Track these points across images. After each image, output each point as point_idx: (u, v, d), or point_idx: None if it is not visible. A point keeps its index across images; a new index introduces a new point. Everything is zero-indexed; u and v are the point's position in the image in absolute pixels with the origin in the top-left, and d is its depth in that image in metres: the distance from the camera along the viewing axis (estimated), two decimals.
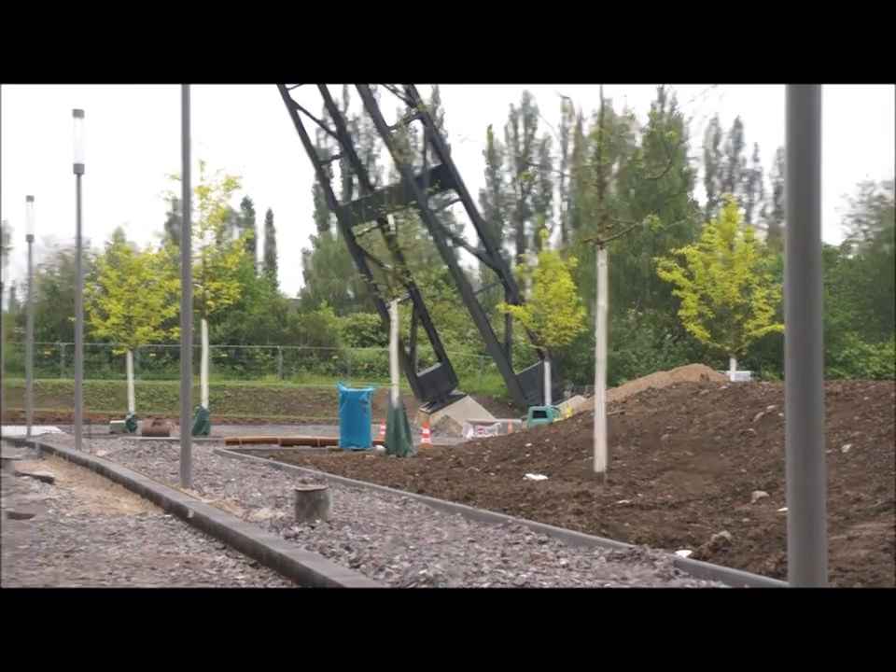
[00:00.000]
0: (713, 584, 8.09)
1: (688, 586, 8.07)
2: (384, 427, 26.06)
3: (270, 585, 8.58)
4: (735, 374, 34.30)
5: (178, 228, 63.27)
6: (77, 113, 24.69)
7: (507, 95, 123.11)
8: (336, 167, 73.21)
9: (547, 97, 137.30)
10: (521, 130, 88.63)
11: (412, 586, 7.77)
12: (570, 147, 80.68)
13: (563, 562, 9.16)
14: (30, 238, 36.17)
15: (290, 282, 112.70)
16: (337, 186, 62.22)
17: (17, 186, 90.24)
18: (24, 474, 18.00)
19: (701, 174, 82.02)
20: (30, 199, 35.28)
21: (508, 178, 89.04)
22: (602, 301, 15.90)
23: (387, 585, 7.89)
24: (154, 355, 57.77)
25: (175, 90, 16.81)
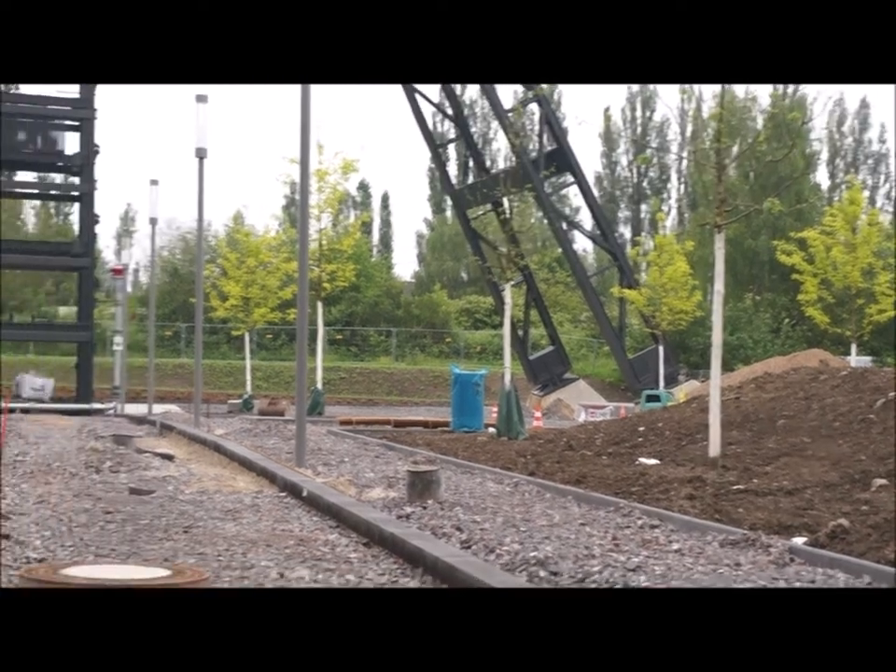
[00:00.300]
0: (829, 572, 7.93)
1: (802, 574, 7.92)
2: (496, 409, 26.07)
3: (381, 564, 8.67)
4: (856, 360, 33.57)
5: (296, 210, 64.11)
6: (201, 98, 25.14)
7: None
8: (452, 150, 73.40)
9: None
10: (638, 112, 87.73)
11: (521, 568, 7.78)
12: (689, 129, 79.70)
13: (675, 546, 9.07)
14: (153, 221, 37.02)
15: (405, 264, 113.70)
16: (453, 169, 62.41)
17: (142, 170, 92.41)
18: (146, 451, 18.45)
19: (824, 155, 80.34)
20: (154, 183, 36.10)
21: (624, 161, 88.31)
22: (719, 285, 15.67)
23: (497, 566, 7.91)
24: (271, 336, 58.68)
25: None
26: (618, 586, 7.18)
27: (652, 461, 15.91)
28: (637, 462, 16.01)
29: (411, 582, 7.94)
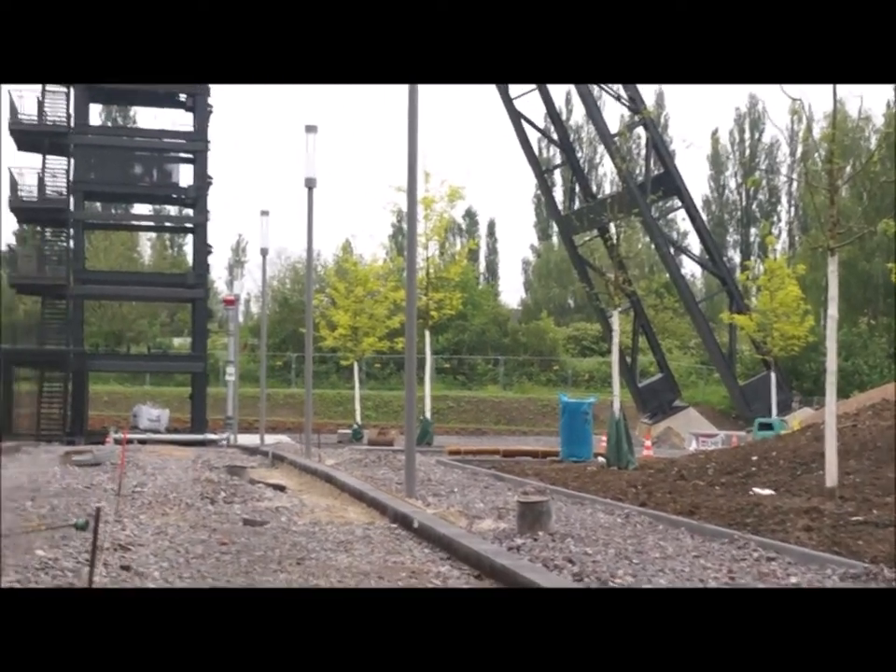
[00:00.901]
0: None
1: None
2: (605, 438, 25.88)
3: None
4: None
5: (403, 239, 64.58)
6: (310, 129, 25.52)
7: (732, 99, 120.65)
8: (558, 176, 73.25)
9: (775, 99, 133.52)
10: (747, 134, 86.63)
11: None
12: (799, 150, 78.39)
13: (793, 580, 8.88)
14: (264, 251, 37.61)
15: (511, 292, 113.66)
16: (559, 195, 62.20)
17: (253, 201, 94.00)
18: (258, 482, 18.68)
19: None
20: (264, 213, 36.70)
21: (732, 184, 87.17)
22: (832, 310, 15.35)
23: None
24: (379, 365, 59.09)
25: (402, 105, 17.13)
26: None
27: (767, 491, 15.62)
28: (750, 492, 15.73)
29: None
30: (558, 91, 76.43)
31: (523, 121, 47.49)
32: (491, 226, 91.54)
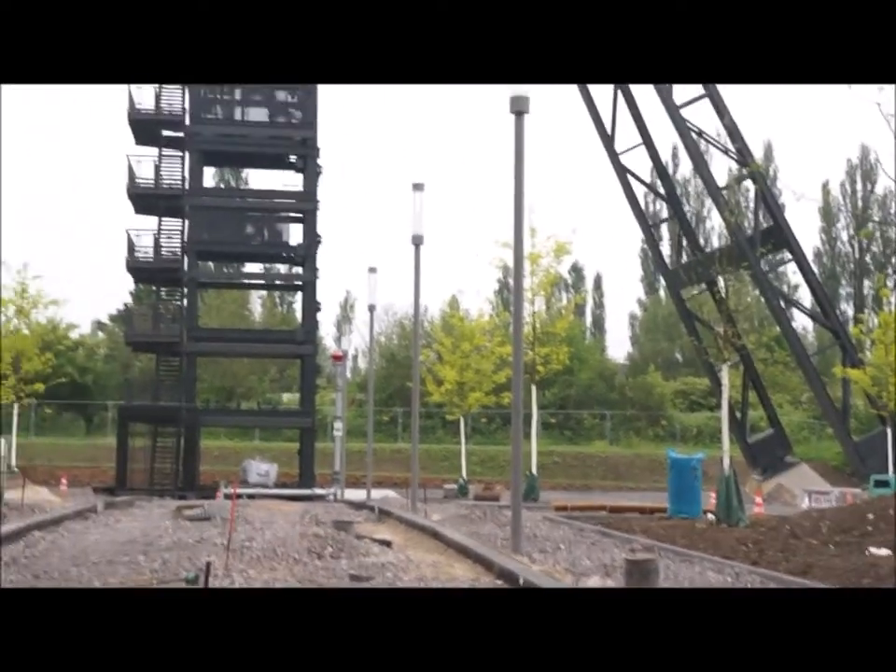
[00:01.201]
0: None
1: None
2: (714, 494, 25.45)
3: None
4: None
5: (509, 294, 64.65)
6: (417, 187, 25.81)
7: (843, 150, 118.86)
8: (665, 230, 72.85)
9: (887, 150, 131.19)
10: (859, 185, 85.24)
11: None
12: None
13: None
14: (371, 308, 37.98)
15: (618, 346, 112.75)
16: (665, 248, 61.83)
17: (360, 258, 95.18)
18: (365, 537, 18.73)
19: None
20: (372, 270, 37.12)
21: (845, 236, 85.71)
22: None
23: None
24: (485, 420, 59.03)
25: (509, 161, 17.23)
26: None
27: (884, 551, 15.18)
28: (867, 552, 15.30)
29: None
30: (664, 145, 76.32)
31: (629, 176, 47.37)
32: (597, 280, 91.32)
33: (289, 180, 46.74)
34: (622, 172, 47.17)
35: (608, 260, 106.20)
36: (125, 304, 63.46)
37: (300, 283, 47.80)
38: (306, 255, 44.61)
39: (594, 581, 12.43)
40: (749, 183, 49.82)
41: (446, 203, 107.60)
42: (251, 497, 34.86)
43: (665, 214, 67.92)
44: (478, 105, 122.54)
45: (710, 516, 24.31)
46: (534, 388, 39.30)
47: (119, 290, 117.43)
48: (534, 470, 38.03)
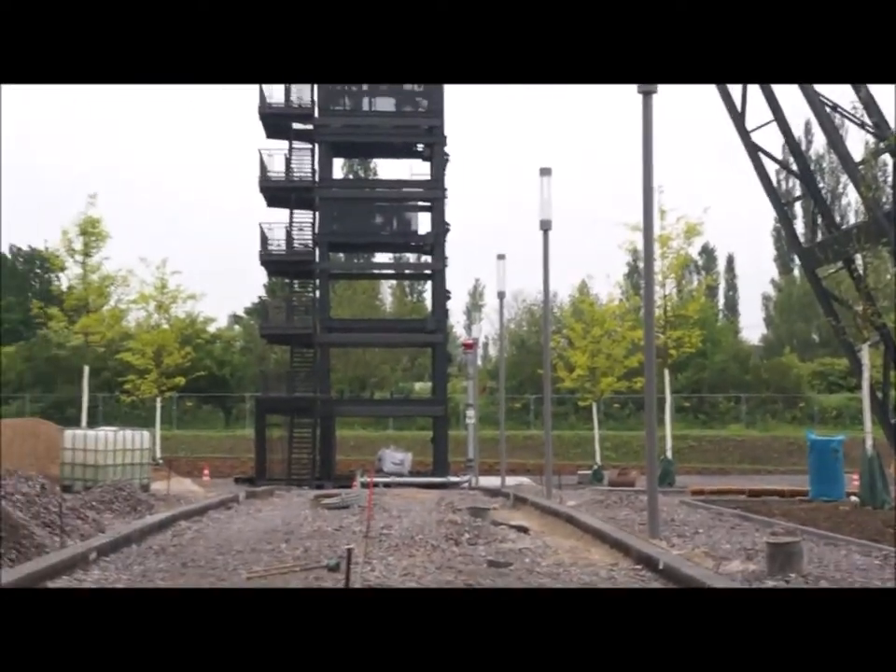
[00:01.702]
0: None
1: None
2: (856, 477, 24.86)
3: None
4: None
5: (639, 278, 64.05)
6: (545, 171, 25.73)
7: None
8: (798, 208, 71.22)
9: None
10: None
11: None
12: None
13: None
14: (501, 295, 37.99)
15: (752, 328, 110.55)
16: (799, 227, 60.43)
17: (488, 245, 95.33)
18: (501, 524, 18.80)
19: None
20: (501, 257, 37.13)
21: None
22: None
23: None
24: (618, 405, 58.63)
25: (635, 146, 17.09)
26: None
27: None
28: None
29: None
30: (797, 121, 74.63)
31: (760, 154, 46.41)
32: (730, 261, 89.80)
33: (417, 169, 47.04)
34: (753, 149, 46.13)
35: (740, 241, 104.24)
36: (259, 297, 64.76)
37: (429, 272, 48.11)
38: (435, 243, 44.86)
39: (735, 566, 12.28)
40: (886, 157, 48.39)
41: (574, 188, 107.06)
42: (387, 485, 35.30)
43: (798, 191, 66.35)
44: (605, 86, 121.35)
45: (854, 499, 23.76)
46: (666, 372, 38.88)
47: (253, 284, 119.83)
48: (669, 455, 37.65)
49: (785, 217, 52.54)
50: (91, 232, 42.14)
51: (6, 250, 76.05)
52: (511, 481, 35.64)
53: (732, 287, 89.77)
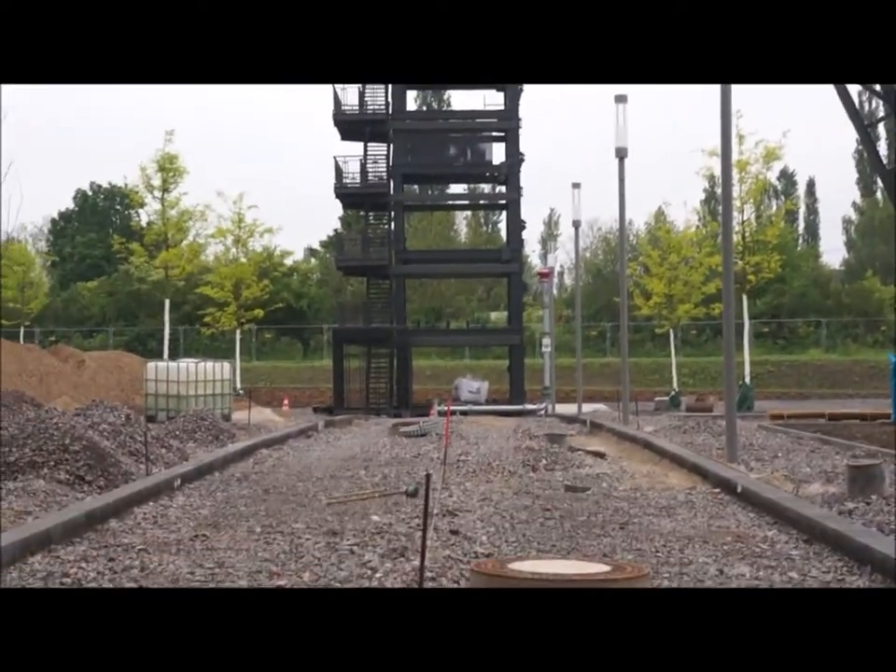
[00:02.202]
0: None
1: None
2: None
3: (825, 561, 8.40)
4: None
5: (717, 205, 63.17)
6: (620, 99, 25.42)
7: None
8: (882, 129, 69.51)
9: None
10: None
11: None
12: None
13: None
14: (576, 223, 37.80)
15: (833, 252, 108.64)
16: (882, 148, 59.03)
17: (563, 173, 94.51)
18: (578, 449, 18.90)
19: None
20: (576, 186, 36.88)
21: None
22: None
23: None
24: (695, 332, 58.24)
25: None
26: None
27: None
28: None
29: (858, 581, 7.65)
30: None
31: None
32: (810, 185, 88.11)
33: (490, 99, 46.67)
34: None
35: (820, 164, 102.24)
36: (335, 230, 65.01)
37: (503, 202, 47.90)
38: (509, 173, 44.59)
39: (814, 489, 12.24)
40: None
41: (650, 113, 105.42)
42: (464, 413, 35.53)
43: (881, 112, 64.82)
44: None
45: None
46: (745, 298, 38.54)
47: (329, 217, 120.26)
48: (747, 380, 37.42)
49: (867, 139, 51.57)
50: (168, 168, 42.58)
51: (86, 187, 77.11)
52: (588, 408, 35.69)
53: (812, 211, 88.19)
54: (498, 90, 46.03)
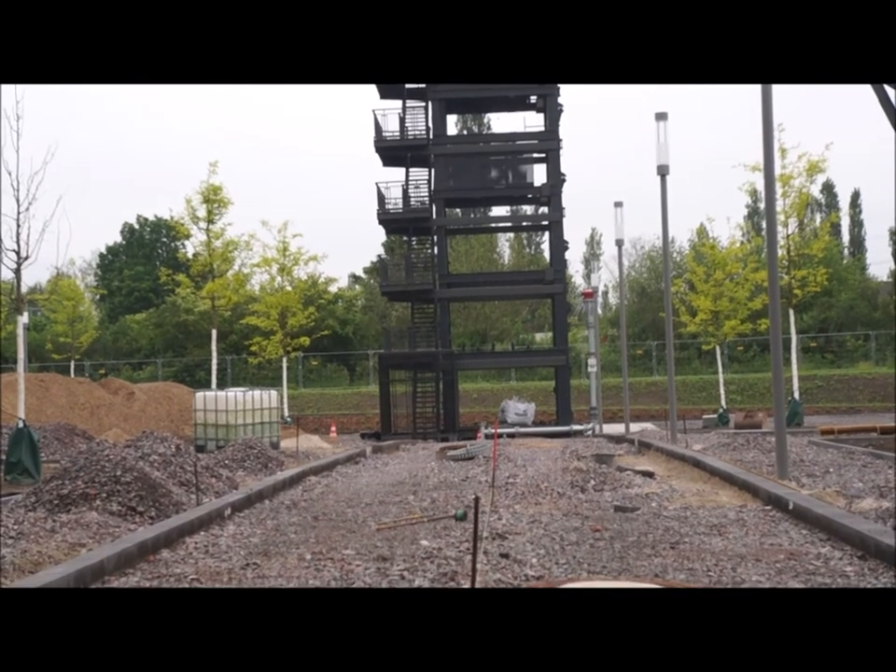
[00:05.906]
0: None
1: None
2: None
3: (880, 577, 8.31)
4: None
5: (760, 220, 62.79)
6: (661, 116, 25.37)
7: None
8: None
9: None
10: None
11: None
12: None
13: None
14: (619, 242, 37.69)
15: (880, 264, 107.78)
16: None
17: (605, 193, 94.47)
18: (626, 469, 18.80)
19: None
20: (618, 205, 36.80)
21: None
22: None
23: None
24: (742, 348, 57.84)
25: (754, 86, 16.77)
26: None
27: None
28: None
29: None
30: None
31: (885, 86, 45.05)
32: (854, 197, 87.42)
33: (531, 121, 46.79)
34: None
35: (863, 176, 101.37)
36: (378, 256, 65.27)
37: (546, 223, 47.90)
38: (551, 194, 44.61)
39: (867, 504, 12.10)
40: None
41: (691, 131, 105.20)
42: (511, 435, 35.46)
43: None
44: None
45: None
46: (791, 313, 38.24)
47: (372, 244, 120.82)
48: (796, 395, 37.09)
49: None
50: (213, 199, 42.96)
51: (133, 221, 78.00)
52: (635, 427, 35.52)
53: (857, 223, 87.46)
54: (538, 111, 46.08)
